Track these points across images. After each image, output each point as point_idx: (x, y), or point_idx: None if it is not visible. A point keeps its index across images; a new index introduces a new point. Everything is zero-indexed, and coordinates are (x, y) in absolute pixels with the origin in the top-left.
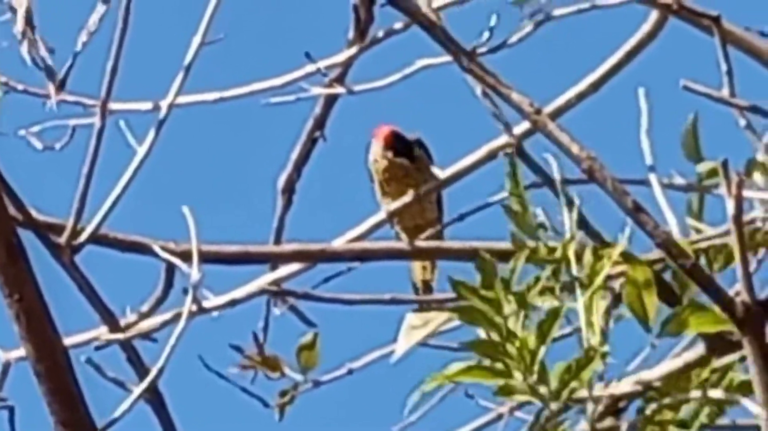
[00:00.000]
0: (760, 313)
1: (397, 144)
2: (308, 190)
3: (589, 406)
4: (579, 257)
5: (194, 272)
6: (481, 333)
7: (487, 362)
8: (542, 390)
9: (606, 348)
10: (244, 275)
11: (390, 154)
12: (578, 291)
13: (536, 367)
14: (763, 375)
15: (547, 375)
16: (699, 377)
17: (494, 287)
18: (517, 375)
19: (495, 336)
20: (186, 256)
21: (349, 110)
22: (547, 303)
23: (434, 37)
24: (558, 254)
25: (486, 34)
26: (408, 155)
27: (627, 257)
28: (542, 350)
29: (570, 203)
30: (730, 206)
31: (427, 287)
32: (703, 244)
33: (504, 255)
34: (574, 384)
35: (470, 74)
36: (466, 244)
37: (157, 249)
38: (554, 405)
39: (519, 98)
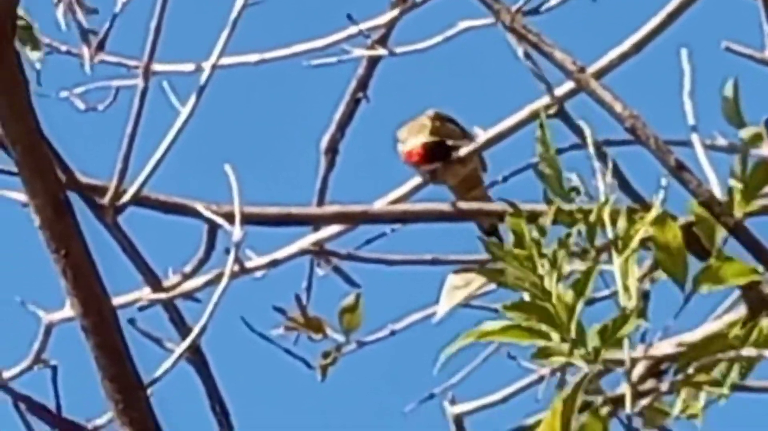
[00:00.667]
0: None
1: (431, 152)
2: (351, 151)
3: (628, 367)
4: (614, 220)
5: (236, 231)
6: (524, 295)
7: (523, 323)
8: (580, 351)
9: (642, 307)
10: (287, 236)
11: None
12: (614, 254)
13: (573, 326)
14: None
15: (584, 336)
16: (732, 336)
17: (526, 246)
18: (554, 337)
19: (529, 297)
20: (228, 217)
21: (392, 71)
22: (583, 265)
23: None
24: (593, 217)
25: None
26: (446, 153)
27: (660, 218)
28: (578, 309)
29: (606, 165)
30: None
31: (495, 229)
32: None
33: (532, 218)
34: (611, 344)
35: (512, 33)
36: (508, 205)
37: (200, 208)
38: (593, 367)
39: (562, 56)
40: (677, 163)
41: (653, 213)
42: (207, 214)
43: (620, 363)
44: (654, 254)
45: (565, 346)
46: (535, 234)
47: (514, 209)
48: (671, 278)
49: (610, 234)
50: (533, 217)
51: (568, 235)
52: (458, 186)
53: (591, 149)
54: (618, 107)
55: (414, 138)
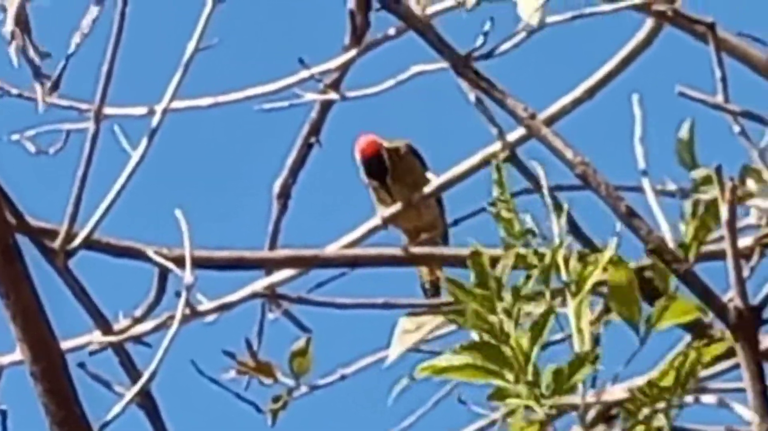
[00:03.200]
0: (752, 319)
1: (370, 165)
2: (304, 195)
3: (581, 411)
4: (568, 263)
5: (187, 275)
6: (475, 337)
7: (480, 362)
8: (535, 393)
9: (596, 352)
10: (238, 281)
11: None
12: (568, 297)
13: (530, 369)
14: (756, 382)
15: (539, 379)
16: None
17: (488, 285)
18: (509, 377)
19: (488, 338)
20: (179, 262)
21: (345, 115)
22: (538, 308)
23: (428, 41)
24: (547, 260)
25: (480, 40)
26: (381, 174)
27: (613, 262)
28: (535, 352)
29: (559, 208)
30: (724, 212)
31: (435, 287)
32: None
33: (498, 262)
34: (565, 387)
35: (464, 79)
36: (461, 250)
37: (150, 253)
38: (546, 410)
39: (513, 103)
40: (628, 209)
41: (606, 256)
42: (156, 258)
43: (574, 407)
44: (607, 297)
45: (521, 388)
46: (498, 274)
47: (475, 250)
48: (625, 320)
49: (564, 278)
50: (490, 261)
51: (528, 277)
52: (411, 230)
53: (545, 192)
54: (569, 154)
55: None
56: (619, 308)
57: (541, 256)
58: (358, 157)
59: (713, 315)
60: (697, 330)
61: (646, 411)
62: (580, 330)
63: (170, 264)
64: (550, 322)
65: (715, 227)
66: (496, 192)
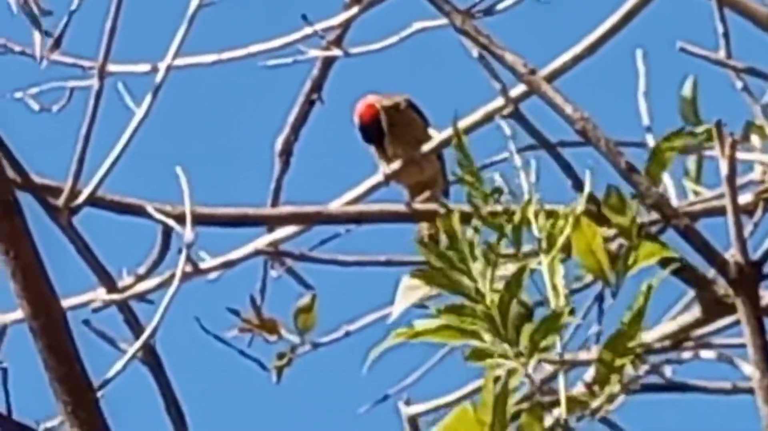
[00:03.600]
0: (753, 274)
1: (366, 132)
2: (306, 152)
3: (560, 366)
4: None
5: (188, 232)
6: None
7: (456, 323)
8: (514, 350)
9: (570, 305)
10: (242, 237)
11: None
12: (541, 255)
13: (508, 327)
14: (756, 336)
15: (518, 337)
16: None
17: (459, 247)
18: (487, 338)
19: (462, 299)
20: (182, 218)
21: (347, 72)
22: (511, 268)
23: None
24: (517, 218)
25: None
26: (378, 140)
27: (579, 219)
28: (512, 309)
29: (561, 165)
30: (724, 167)
31: (435, 242)
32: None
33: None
34: (544, 344)
35: (464, 35)
36: (463, 207)
37: (151, 210)
38: (527, 367)
39: (513, 59)
40: (628, 164)
41: (577, 209)
42: (157, 215)
43: (554, 362)
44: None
45: (500, 346)
46: (469, 235)
47: (446, 210)
48: (593, 274)
49: (536, 235)
50: (466, 219)
51: (501, 237)
52: (413, 186)
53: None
54: (569, 109)
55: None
56: (585, 263)
57: (511, 215)
58: (355, 122)
59: (715, 270)
60: (700, 283)
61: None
62: (554, 287)
63: (171, 222)
64: (524, 279)
65: None
66: (458, 157)
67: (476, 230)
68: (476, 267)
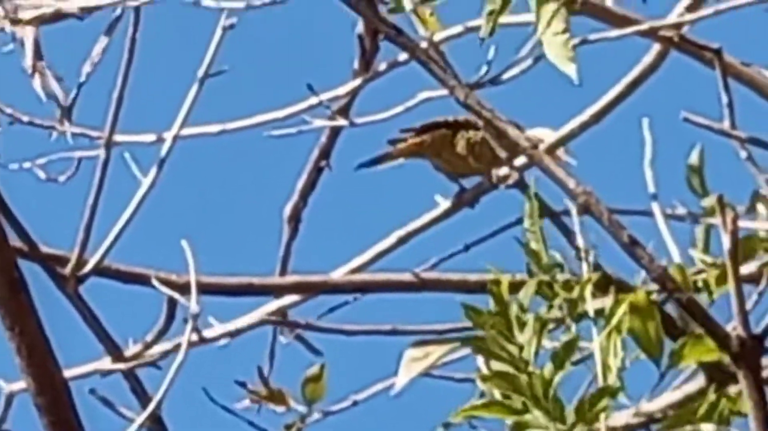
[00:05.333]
0: (755, 347)
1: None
2: (315, 218)
3: None
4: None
5: (192, 304)
6: (482, 366)
7: (499, 396)
8: (557, 426)
9: (619, 385)
10: (252, 304)
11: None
12: (594, 329)
13: (550, 400)
14: (758, 410)
15: (561, 410)
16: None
17: (508, 314)
18: (535, 413)
19: (506, 367)
20: (187, 288)
21: (356, 138)
22: (559, 339)
23: (431, 71)
24: (575, 293)
25: (484, 68)
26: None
27: (639, 299)
28: (556, 382)
29: (565, 235)
30: (726, 241)
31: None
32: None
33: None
34: (588, 417)
35: (468, 109)
36: (468, 276)
37: (155, 281)
38: None
39: (515, 134)
40: (630, 238)
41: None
42: (160, 286)
43: None
44: (631, 326)
45: (543, 420)
46: (517, 303)
47: (496, 278)
48: (648, 356)
49: (591, 312)
50: (513, 287)
51: (550, 307)
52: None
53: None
54: (571, 183)
55: None
56: (642, 344)
57: (568, 287)
58: None
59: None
60: (713, 369)
61: None
62: (606, 365)
63: (175, 294)
64: (572, 353)
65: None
66: (527, 222)
67: (526, 298)
68: (522, 335)
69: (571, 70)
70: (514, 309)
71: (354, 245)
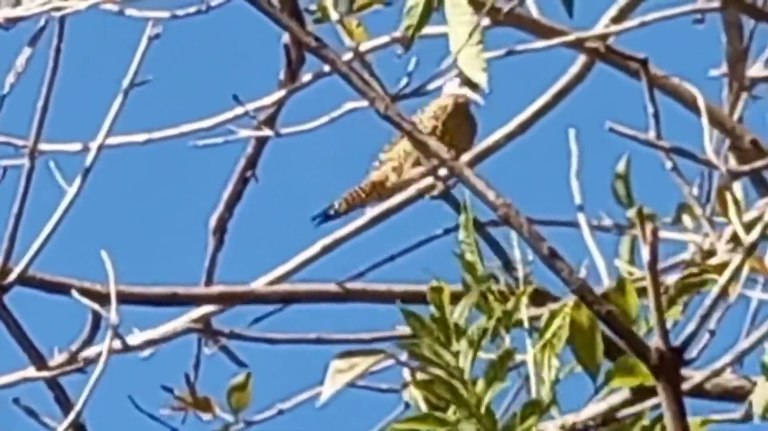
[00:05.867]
0: (674, 360)
1: None
2: (241, 228)
3: None
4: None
5: (113, 315)
6: (407, 377)
7: (425, 407)
8: None
9: (553, 399)
10: (177, 313)
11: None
12: (528, 342)
13: (482, 411)
14: (676, 422)
15: (492, 423)
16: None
17: (447, 322)
18: (467, 427)
19: (441, 373)
20: (110, 298)
21: (283, 148)
22: (494, 352)
23: (351, 83)
24: (510, 305)
25: (405, 80)
26: None
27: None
28: (488, 395)
29: (489, 245)
30: (645, 253)
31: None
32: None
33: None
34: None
35: (387, 121)
36: (393, 286)
37: (75, 293)
38: None
39: (436, 145)
40: (550, 250)
41: (569, 306)
42: (80, 297)
43: None
44: (570, 347)
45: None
46: (458, 314)
47: (437, 285)
48: (585, 371)
49: (526, 324)
50: (417, 298)
51: (489, 317)
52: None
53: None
54: (491, 195)
55: None
56: (581, 358)
57: (502, 299)
58: None
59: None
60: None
61: None
62: (540, 378)
63: (95, 305)
64: (507, 365)
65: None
66: (462, 234)
67: (464, 310)
68: (460, 345)
69: (482, 79)
70: (452, 318)
71: (280, 254)
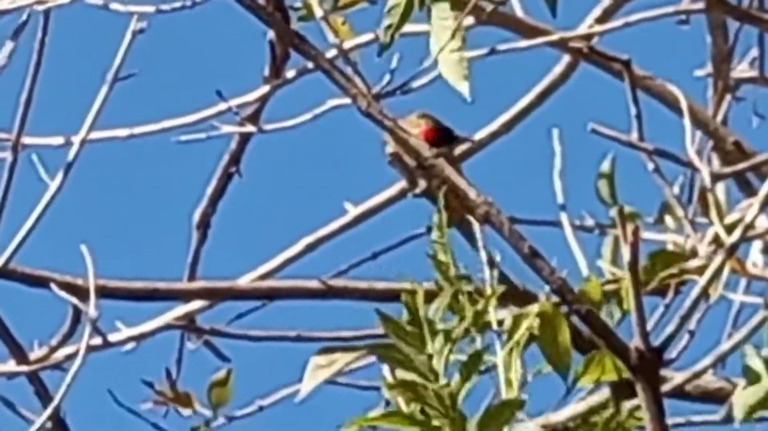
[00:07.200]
0: (653, 360)
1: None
2: (224, 225)
3: None
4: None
5: (91, 309)
6: (387, 375)
7: (404, 405)
8: None
9: (522, 400)
10: (160, 308)
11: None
12: (497, 345)
13: (456, 412)
14: (656, 423)
15: (463, 423)
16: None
17: (421, 324)
18: (436, 422)
19: (414, 376)
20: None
21: (267, 145)
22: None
23: (333, 80)
24: (480, 307)
25: (387, 78)
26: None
27: (546, 312)
28: (462, 395)
29: (491, 260)
30: (626, 253)
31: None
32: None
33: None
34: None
35: (369, 118)
36: (376, 284)
37: (54, 287)
38: None
39: (416, 143)
40: (530, 250)
41: (537, 307)
42: (59, 291)
43: None
44: (541, 343)
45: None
46: (431, 313)
47: (411, 287)
48: (556, 371)
49: (494, 325)
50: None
51: (462, 319)
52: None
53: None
54: (472, 194)
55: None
56: (551, 359)
57: (473, 301)
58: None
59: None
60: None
61: None
62: (508, 381)
63: (74, 299)
64: (479, 365)
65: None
66: (435, 234)
67: (437, 311)
68: (434, 346)
69: (464, 88)
70: (425, 319)
71: (263, 251)
